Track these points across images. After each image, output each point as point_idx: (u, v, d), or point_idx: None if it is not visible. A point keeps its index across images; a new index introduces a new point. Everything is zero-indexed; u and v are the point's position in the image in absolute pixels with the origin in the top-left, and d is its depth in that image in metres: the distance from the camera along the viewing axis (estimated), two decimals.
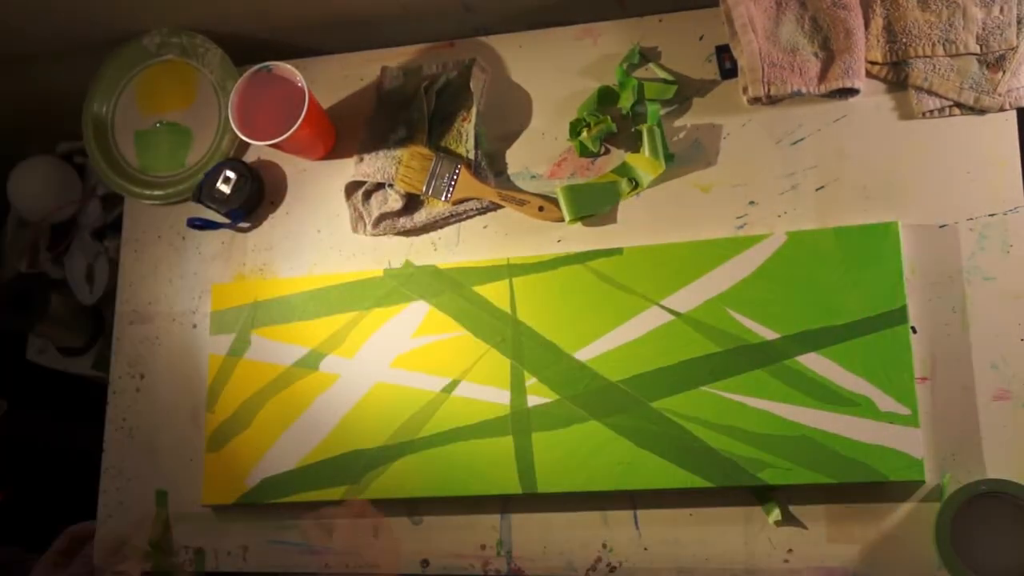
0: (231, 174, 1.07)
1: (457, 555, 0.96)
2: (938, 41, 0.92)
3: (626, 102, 0.99)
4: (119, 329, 1.11)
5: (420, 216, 1.03)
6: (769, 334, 0.89)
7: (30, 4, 1.10)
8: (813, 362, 0.88)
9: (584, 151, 1.00)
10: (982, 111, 0.92)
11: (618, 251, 0.95)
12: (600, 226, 0.99)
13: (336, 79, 1.11)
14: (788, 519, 0.89)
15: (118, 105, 1.17)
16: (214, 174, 1.08)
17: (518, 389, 0.94)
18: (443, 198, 1.01)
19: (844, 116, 0.96)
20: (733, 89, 0.99)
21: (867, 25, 0.94)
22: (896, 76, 0.94)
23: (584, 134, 1.00)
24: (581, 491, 0.91)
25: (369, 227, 1.04)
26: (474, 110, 1.04)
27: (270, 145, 1.00)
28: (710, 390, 0.90)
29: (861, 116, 0.95)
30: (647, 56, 1.02)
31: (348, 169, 1.07)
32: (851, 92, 0.94)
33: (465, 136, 1.03)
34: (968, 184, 0.91)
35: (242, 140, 1.02)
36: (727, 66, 0.99)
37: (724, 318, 0.91)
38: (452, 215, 1.02)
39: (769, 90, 0.94)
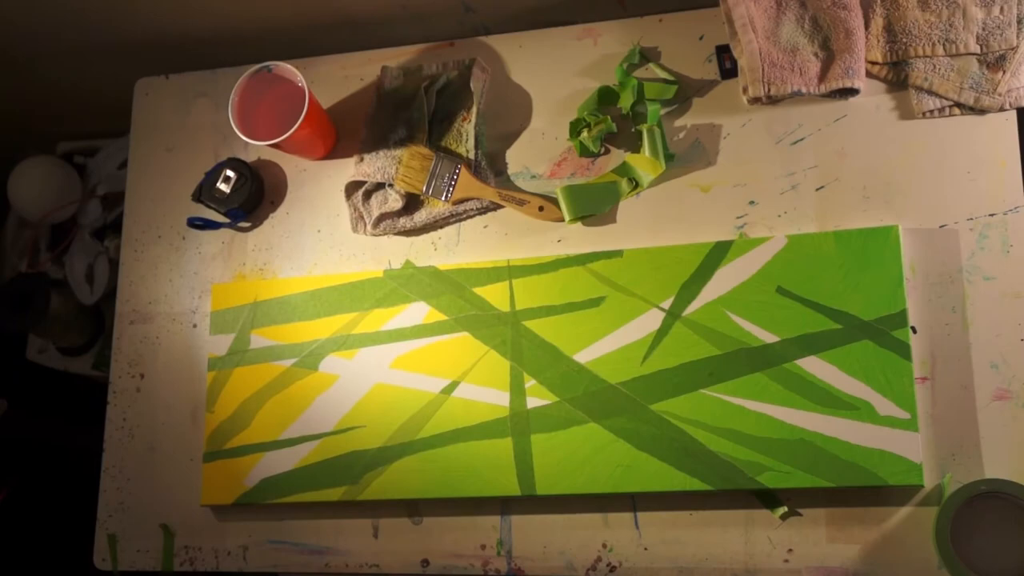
0: (231, 174, 1.07)
1: (457, 555, 0.96)
2: (938, 41, 0.92)
3: (626, 102, 0.99)
4: (119, 329, 1.11)
5: (420, 216, 1.03)
6: (769, 337, 0.89)
7: (31, 5, 1.10)
8: (812, 366, 0.88)
9: (584, 151, 1.00)
10: (982, 111, 0.92)
11: (618, 253, 0.95)
12: (600, 226, 0.99)
13: (336, 79, 1.11)
14: (791, 515, 0.89)
15: None
16: (214, 174, 1.08)
17: (517, 391, 0.94)
18: (443, 198, 1.01)
19: (844, 116, 0.95)
20: (733, 89, 0.99)
21: (867, 25, 0.94)
22: (896, 76, 0.94)
23: (584, 134, 1.00)
24: (580, 493, 0.91)
25: (369, 227, 1.04)
26: (474, 110, 1.04)
27: (270, 145, 1.00)
28: (709, 393, 0.89)
29: (861, 116, 0.95)
30: (647, 56, 1.02)
31: (348, 169, 1.07)
32: (851, 92, 0.94)
33: (465, 136, 1.03)
34: (968, 184, 0.91)
35: (242, 140, 1.02)
36: (727, 66, 0.99)
37: (724, 321, 0.91)
38: (452, 215, 1.02)
39: (769, 90, 0.94)
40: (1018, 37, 0.91)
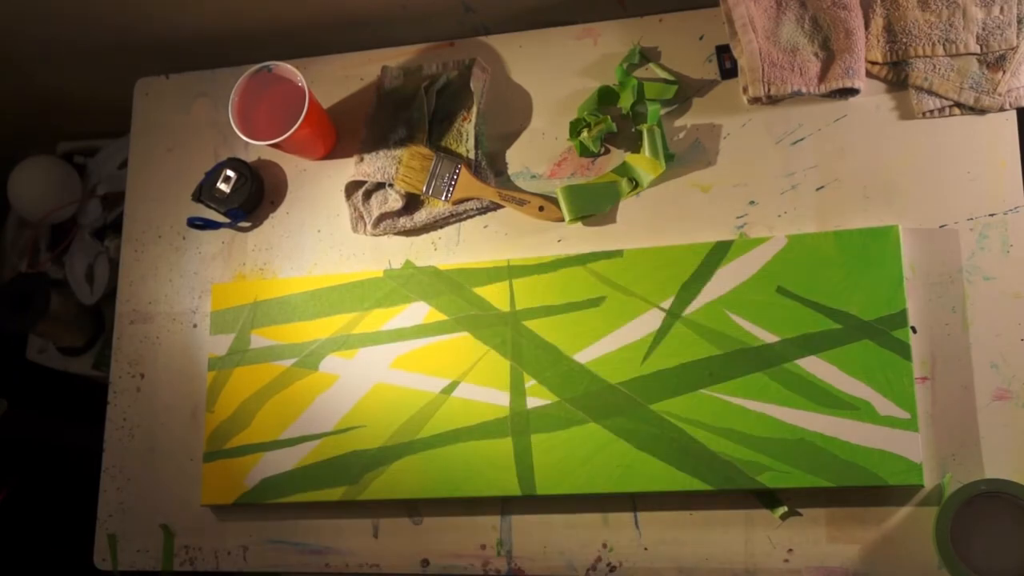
0: (231, 174, 1.07)
1: (457, 555, 0.96)
2: (938, 41, 0.92)
3: (626, 102, 0.99)
4: (119, 329, 1.11)
5: (420, 216, 1.03)
6: (769, 337, 0.89)
7: (31, 6, 1.10)
8: (812, 365, 0.88)
9: (584, 151, 1.00)
10: (982, 111, 0.92)
11: (618, 253, 0.95)
12: (600, 226, 0.99)
13: (336, 79, 1.11)
14: (791, 515, 0.89)
15: None
16: (214, 174, 1.08)
17: (517, 391, 0.94)
18: (443, 198, 1.01)
19: (844, 116, 0.95)
20: (733, 89, 0.99)
21: (867, 25, 0.94)
22: (896, 76, 0.94)
23: (584, 134, 1.00)
24: (580, 493, 0.91)
25: (369, 227, 1.04)
26: (474, 110, 1.04)
27: (270, 145, 1.00)
28: (709, 393, 0.89)
29: (861, 116, 0.95)
30: (647, 56, 1.02)
31: (348, 169, 1.07)
32: (851, 92, 0.94)
33: (465, 136, 1.03)
34: (968, 184, 0.91)
35: (242, 140, 1.02)
36: (727, 66, 0.99)
37: (724, 321, 0.91)
38: (452, 215, 1.02)
39: (769, 90, 0.94)
40: (1018, 37, 0.91)
